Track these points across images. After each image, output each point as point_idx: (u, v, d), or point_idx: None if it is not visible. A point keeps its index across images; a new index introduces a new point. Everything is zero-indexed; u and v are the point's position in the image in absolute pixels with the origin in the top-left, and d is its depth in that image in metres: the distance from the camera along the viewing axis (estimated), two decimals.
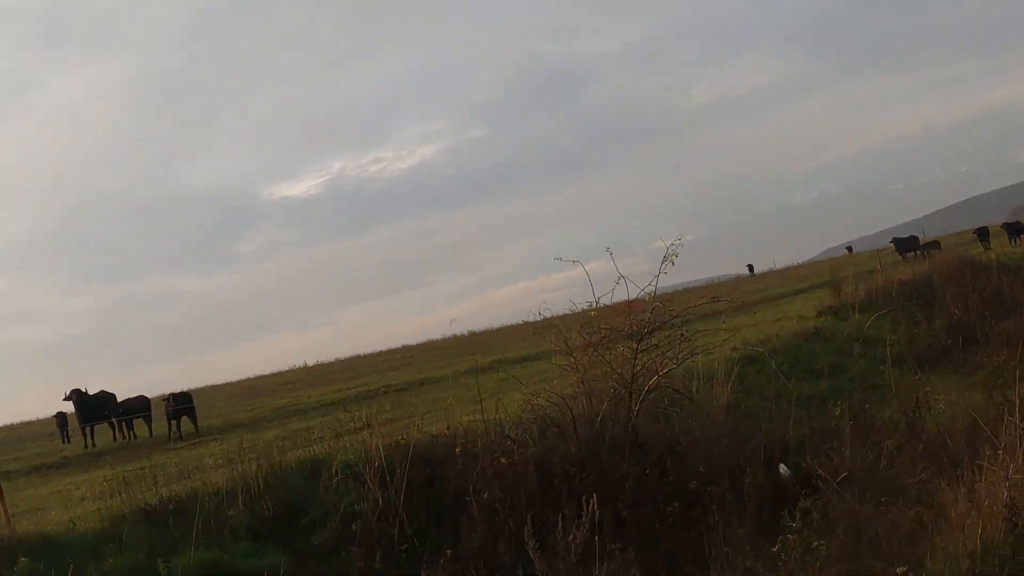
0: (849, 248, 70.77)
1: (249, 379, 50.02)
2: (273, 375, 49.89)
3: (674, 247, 14.35)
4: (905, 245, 50.33)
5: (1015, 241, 43.82)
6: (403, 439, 13.34)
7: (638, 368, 14.14)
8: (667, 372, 14.49)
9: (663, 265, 14.46)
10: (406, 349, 53.11)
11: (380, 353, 53.38)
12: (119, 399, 26.79)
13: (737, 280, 65.27)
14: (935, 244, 48.90)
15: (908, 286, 26.92)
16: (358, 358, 52.22)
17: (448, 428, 14.02)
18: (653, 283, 14.59)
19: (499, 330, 55.21)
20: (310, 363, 52.51)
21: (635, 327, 14.47)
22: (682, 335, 14.80)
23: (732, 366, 17.43)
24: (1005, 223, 48.99)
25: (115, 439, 26.13)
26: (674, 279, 15.60)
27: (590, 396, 14.11)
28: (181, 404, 24.93)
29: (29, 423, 39.11)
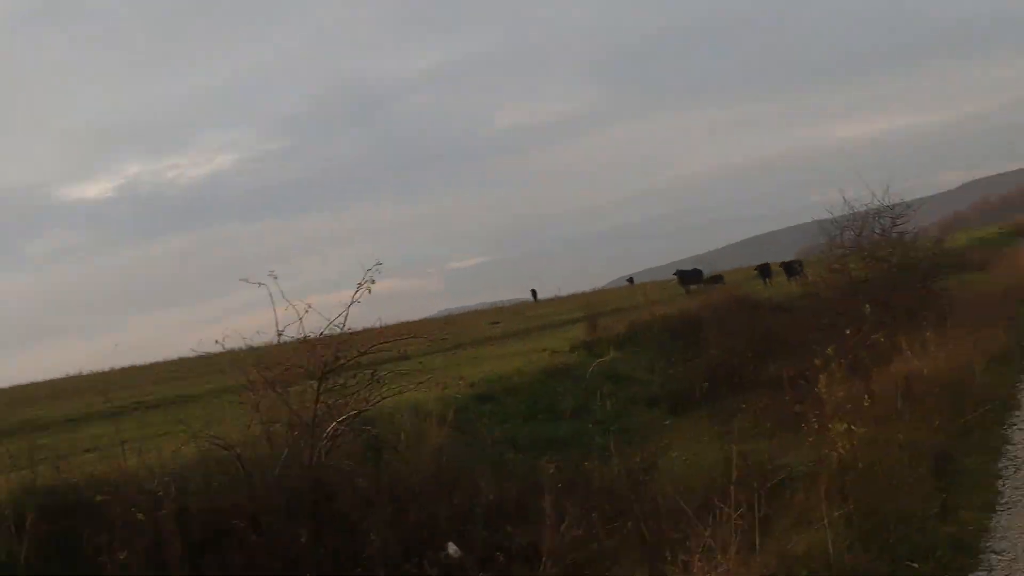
0: (631, 279, 69.06)
1: (20, 386, 45.11)
2: (44, 383, 45.37)
3: (370, 274, 12.23)
4: (688, 278, 49.63)
5: (793, 280, 43.67)
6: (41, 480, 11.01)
7: (320, 412, 11.97)
8: (357, 414, 12.26)
9: (357, 294, 12.41)
10: (182, 362, 49.39)
11: (157, 364, 48.81)
12: None
13: (520, 305, 63.54)
14: (719, 278, 48.49)
15: (673, 322, 25.00)
16: (135, 368, 47.84)
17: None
18: (342, 316, 12.70)
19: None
20: (86, 371, 48.37)
21: (316, 365, 12.28)
22: (373, 374, 12.70)
23: (453, 405, 15.17)
24: (783, 262, 49.01)
25: None
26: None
27: (270, 440, 11.81)
28: None
29: None
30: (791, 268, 44.89)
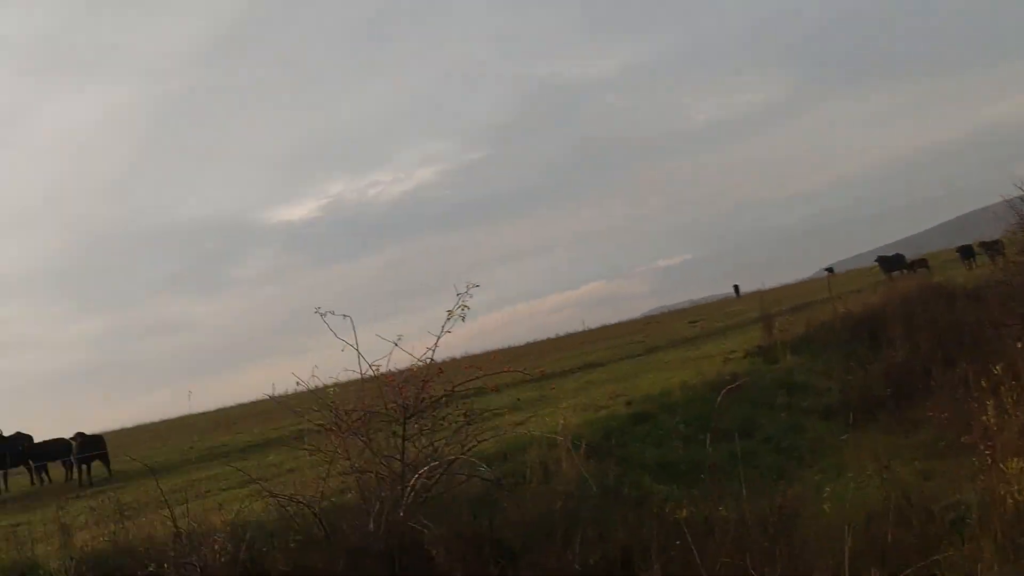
0: (830, 269, 66.50)
1: (229, 407, 47.31)
2: (250, 404, 47.28)
3: (460, 303, 11.40)
4: (890, 264, 47.46)
5: (994, 261, 40.40)
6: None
7: (407, 458, 11.23)
8: (451, 462, 11.50)
9: (447, 324, 11.49)
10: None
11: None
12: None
13: (723, 302, 62.52)
14: (922, 262, 45.62)
15: (854, 320, 23.39)
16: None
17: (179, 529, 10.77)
18: (431, 350, 11.73)
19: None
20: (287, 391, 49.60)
21: (395, 405, 11.50)
22: (466, 415, 11.84)
23: (601, 430, 14.46)
24: (982, 242, 45.55)
25: (32, 483, 24.17)
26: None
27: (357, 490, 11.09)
28: (89, 448, 23.17)
29: None
30: (993, 248, 41.70)
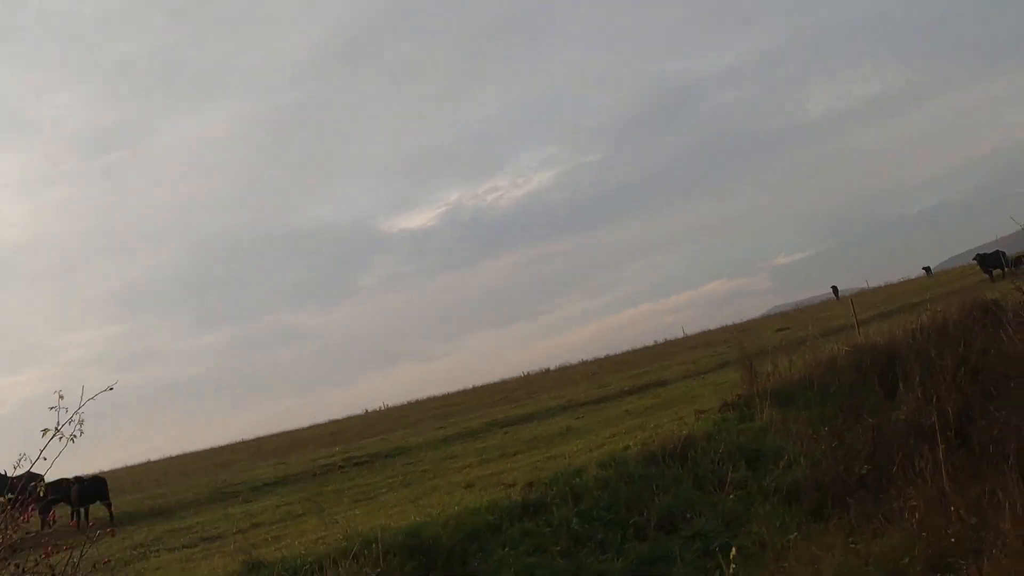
0: (927, 269, 62.38)
1: (336, 420, 49.13)
2: (349, 419, 49.42)
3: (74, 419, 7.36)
4: (990, 262, 43.90)
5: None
6: None
7: None
8: None
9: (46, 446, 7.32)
10: (503, 384, 51.18)
11: (476, 388, 51.78)
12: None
13: (822, 304, 60.51)
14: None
15: (868, 354, 19.05)
16: (456, 394, 50.35)
17: None
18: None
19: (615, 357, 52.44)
20: (397, 402, 51.95)
21: None
22: None
23: (448, 532, 11.58)
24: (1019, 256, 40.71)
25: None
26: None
27: None
28: (88, 490, 23.25)
29: None
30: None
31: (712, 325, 62.28)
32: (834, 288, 63.38)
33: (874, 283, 62.36)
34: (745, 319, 63.12)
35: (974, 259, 45.98)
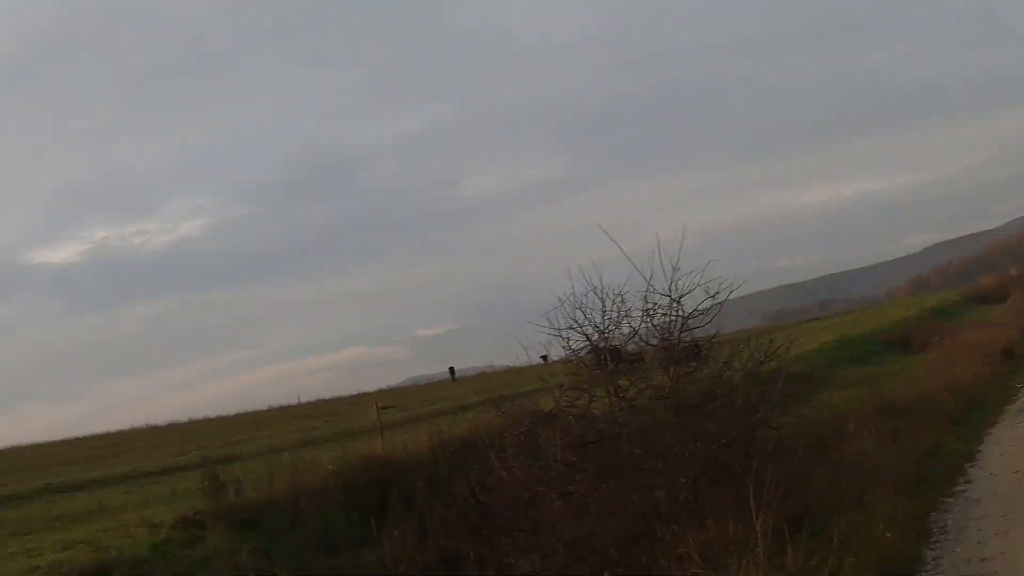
0: (544, 357, 62.45)
1: None
2: None
3: None
4: (607, 355, 43.03)
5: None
6: None
7: None
8: None
9: None
10: (117, 435, 45.78)
11: (88, 437, 45.99)
12: None
13: (440, 383, 59.58)
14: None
15: (373, 471, 16.63)
16: (62, 443, 44.85)
17: None
18: None
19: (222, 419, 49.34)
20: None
21: None
22: None
23: None
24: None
25: None
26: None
27: None
28: None
29: None
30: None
31: (351, 390, 58.84)
32: (451, 369, 63.19)
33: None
34: (376, 388, 61.21)
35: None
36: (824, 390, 28.45)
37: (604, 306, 13.50)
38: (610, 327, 13.67)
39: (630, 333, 13.98)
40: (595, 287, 13.41)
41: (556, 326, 13.71)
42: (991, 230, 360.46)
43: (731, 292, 14.01)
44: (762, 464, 11.44)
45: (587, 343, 13.71)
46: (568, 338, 13.81)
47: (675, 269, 13.46)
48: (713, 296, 13.83)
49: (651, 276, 13.45)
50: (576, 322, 13.59)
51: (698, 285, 13.54)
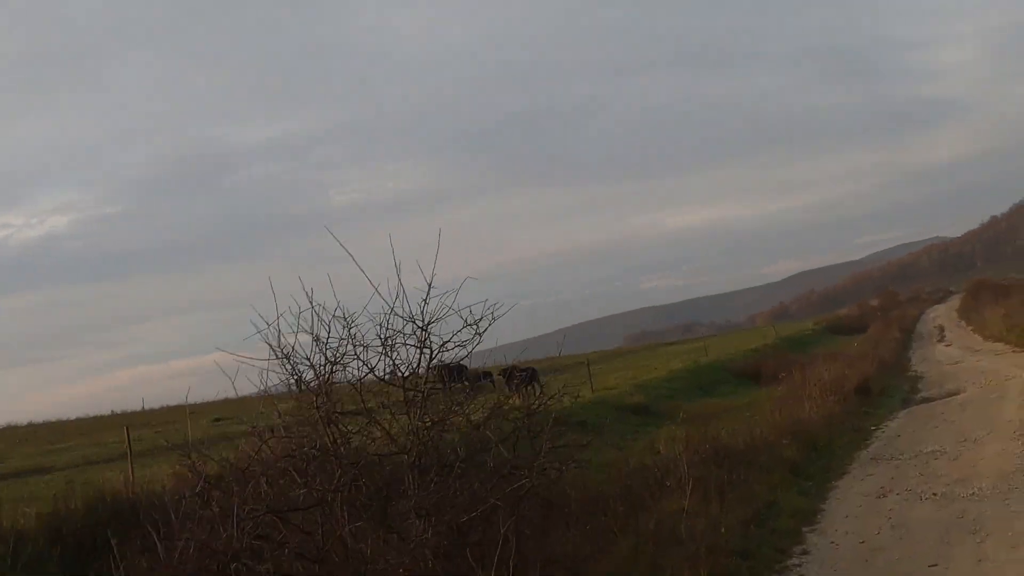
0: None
1: None
2: None
3: None
4: (449, 375, 40.48)
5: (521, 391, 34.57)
6: None
7: None
8: None
9: None
10: None
11: None
12: None
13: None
14: (487, 376, 38.51)
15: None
16: None
17: None
18: None
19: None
20: None
21: None
22: None
23: None
24: (509, 368, 40.53)
25: None
26: None
27: None
28: None
29: None
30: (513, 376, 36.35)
31: (209, 397, 56.45)
32: None
33: None
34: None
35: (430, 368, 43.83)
36: (661, 424, 26.00)
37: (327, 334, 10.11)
38: (328, 363, 10.20)
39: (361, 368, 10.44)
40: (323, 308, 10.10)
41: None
42: (853, 262, 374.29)
43: (494, 319, 10.91)
44: (525, 540, 8.37)
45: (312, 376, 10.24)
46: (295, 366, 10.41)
47: (430, 287, 10.39)
48: (476, 324, 10.65)
49: (395, 299, 10.29)
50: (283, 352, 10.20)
51: (464, 308, 10.41)
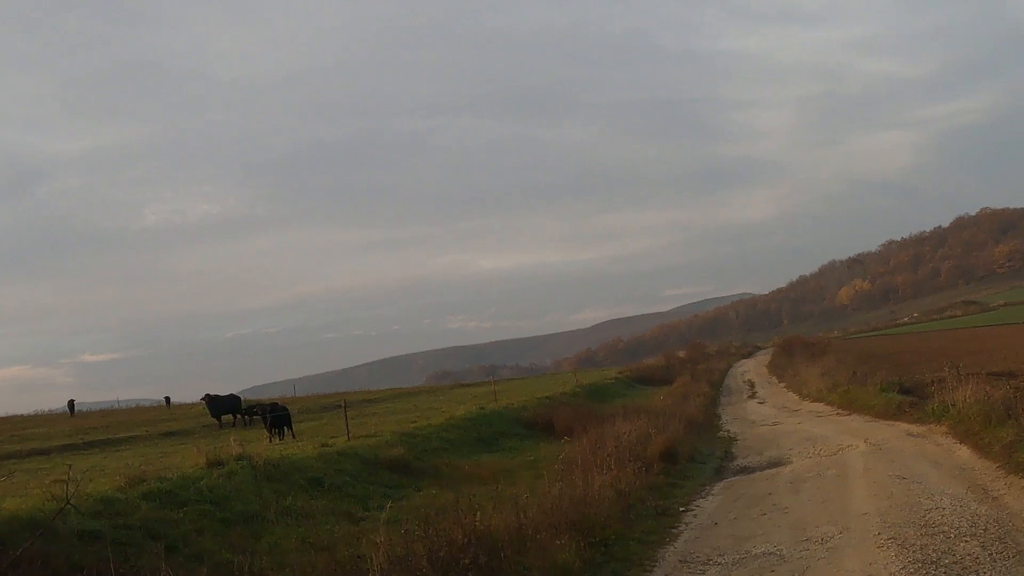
0: (167, 399, 60.72)
1: None
2: None
3: None
4: (221, 406, 39.94)
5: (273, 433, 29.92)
6: None
7: None
8: None
9: None
10: None
11: None
12: None
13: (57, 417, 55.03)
14: (277, 408, 32.36)
15: None
16: None
17: None
18: None
19: None
20: None
21: None
22: None
23: None
24: (251, 406, 37.16)
25: None
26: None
27: None
28: None
29: None
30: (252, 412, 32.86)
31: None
32: (70, 403, 57.78)
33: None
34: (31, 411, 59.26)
35: (202, 399, 41.13)
36: (423, 485, 21.74)
37: None
38: None
39: None
40: None
41: None
42: (661, 313, 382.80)
43: None
44: None
45: None
46: None
47: None
48: None
49: None
50: None
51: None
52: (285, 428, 30.25)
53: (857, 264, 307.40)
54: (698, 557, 13.46)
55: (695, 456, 24.69)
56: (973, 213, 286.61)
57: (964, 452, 19.41)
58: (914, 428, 24.53)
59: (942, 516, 13.79)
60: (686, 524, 16.23)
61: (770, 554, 13.05)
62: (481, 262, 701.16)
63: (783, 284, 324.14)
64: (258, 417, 33.81)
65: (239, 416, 39.09)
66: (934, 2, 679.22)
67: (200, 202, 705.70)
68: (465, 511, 13.34)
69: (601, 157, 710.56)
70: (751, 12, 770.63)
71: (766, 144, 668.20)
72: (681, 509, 17.58)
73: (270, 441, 28.52)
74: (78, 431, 39.24)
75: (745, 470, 22.34)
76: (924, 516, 13.92)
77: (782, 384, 53.24)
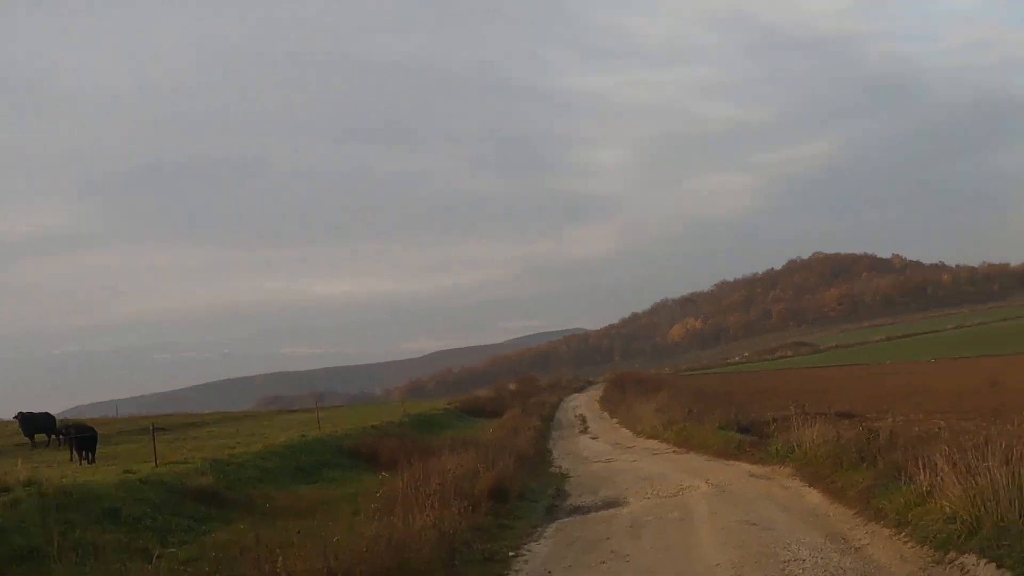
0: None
1: None
2: None
3: None
4: (34, 425, 37.33)
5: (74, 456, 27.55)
6: None
7: None
8: None
9: None
10: None
11: None
12: None
13: None
14: (84, 430, 29.75)
15: None
16: None
17: None
18: None
19: None
20: None
21: None
22: None
23: None
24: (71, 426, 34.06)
25: None
26: None
27: None
28: None
29: None
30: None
31: None
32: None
33: None
34: None
35: (15, 417, 38.22)
36: (232, 519, 19.77)
37: None
38: None
39: None
40: None
41: None
42: (494, 344, 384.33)
43: None
44: None
45: None
46: None
47: None
48: None
49: None
50: None
51: None
52: (87, 452, 27.74)
53: (690, 303, 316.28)
54: None
55: (526, 494, 23.11)
56: (806, 257, 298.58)
57: (814, 496, 18.40)
58: (756, 469, 23.59)
59: (803, 569, 12.44)
60: (516, 572, 14.57)
61: None
62: (315, 288, 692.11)
63: (615, 320, 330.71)
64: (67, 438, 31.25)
65: (53, 436, 36.40)
66: (775, 50, 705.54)
67: (30, 214, 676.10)
68: (266, 555, 11.35)
69: (445, 188, 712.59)
70: (596, 50, 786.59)
71: (606, 181, 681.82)
72: (511, 554, 15.89)
73: (79, 464, 26.72)
74: None
75: (579, 510, 20.85)
76: (783, 569, 12.57)
77: (615, 420, 52.44)
